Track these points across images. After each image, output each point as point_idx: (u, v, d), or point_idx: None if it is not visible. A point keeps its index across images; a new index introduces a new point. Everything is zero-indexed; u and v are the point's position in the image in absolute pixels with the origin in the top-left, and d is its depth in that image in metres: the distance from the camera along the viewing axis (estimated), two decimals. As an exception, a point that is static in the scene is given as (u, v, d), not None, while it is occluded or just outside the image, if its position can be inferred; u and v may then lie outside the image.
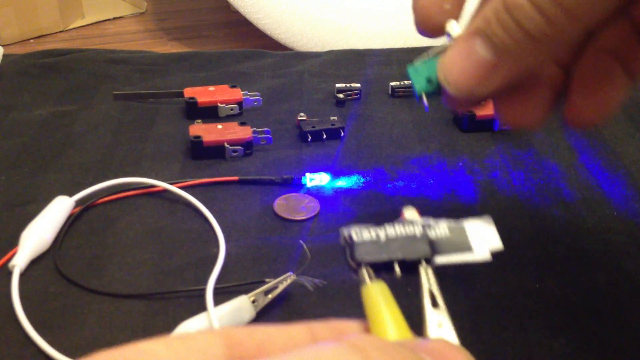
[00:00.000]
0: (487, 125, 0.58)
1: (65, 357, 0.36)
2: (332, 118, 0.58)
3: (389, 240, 0.22)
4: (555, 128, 0.59)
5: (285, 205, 0.48)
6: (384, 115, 0.60)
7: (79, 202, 0.47)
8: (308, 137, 0.56)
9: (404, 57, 0.73)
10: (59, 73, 0.67)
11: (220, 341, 0.19)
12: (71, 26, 1.77)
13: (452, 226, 0.23)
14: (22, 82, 0.66)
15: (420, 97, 0.31)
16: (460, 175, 0.52)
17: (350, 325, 0.21)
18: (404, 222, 0.23)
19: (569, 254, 0.44)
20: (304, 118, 0.58)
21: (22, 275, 0.41)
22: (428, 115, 0.59)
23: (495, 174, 0.52)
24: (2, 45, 0.72)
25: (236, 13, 1.48)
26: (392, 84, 0.64)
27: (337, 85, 0.64)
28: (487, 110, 0.58)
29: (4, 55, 0.69)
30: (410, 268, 0.22)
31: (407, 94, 0.64)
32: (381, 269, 0.22)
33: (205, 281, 0.41)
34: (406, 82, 0.65)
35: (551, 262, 0.44)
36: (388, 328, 0.20)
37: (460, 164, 0.53)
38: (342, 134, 0.57)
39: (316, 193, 0.50)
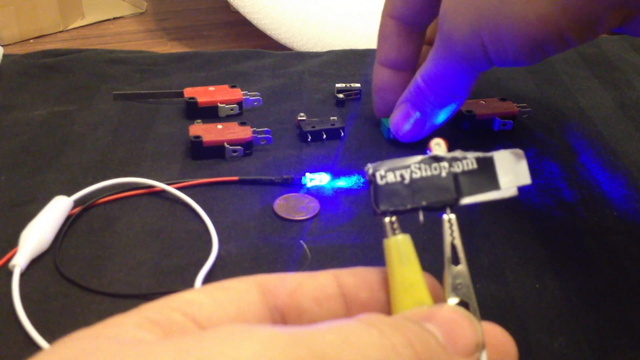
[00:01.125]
0: (487, 125, 0.58)
1: (65, 357, 0.36)
2: (332, 118, 0.58)
3: (413, 181, 0.21)
4: (555, 128, 0.59)
5: (285, 205, 0.48)
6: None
7: (77, 202, 0.47)
8: (308, 137, 0.56)
9: (404, 57, 0.73)
10: (59, 73, 0.67)
11: (255, 288, 0.20)
12: (71, 26, 1.77)
13: (480, 157, 0.22)
14: (22, 82, 0.66)
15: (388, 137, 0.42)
16: (460, 175, 0.52)
17: (372, 273, 0.21)
18: (430, 156, 0.22)
19: (569, 254, 0.44)
20: (304, 118, 0.58)
21: (22, 275, 0.41)
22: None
23: (495, 174, 0.52)
24: (2, 45, 0.72)
25: (236, 13, 1.48)
26: (392, 84, 0.64)
27: (337, 85, 0.64)
28: (487, 110, 0.58)
29: (4, 55, 0.69)
30: (436, 210, 0.22)
31: (407, 94, 0.64)
32: (405, 214, 0.21)
33: (205, 281, 0.41)
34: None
35: (551, 262, 0.44)
36: (404, 290, 0.20)
37: (460, 164, 0.53)
38: (342, 134, 0.57)
39: (316, 193, 0.50)
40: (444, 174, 0.22)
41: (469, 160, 0.22)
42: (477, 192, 0.22)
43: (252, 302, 0.19)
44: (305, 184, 0.50)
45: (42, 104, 0.62)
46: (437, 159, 0.22)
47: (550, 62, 0.71)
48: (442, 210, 0.22)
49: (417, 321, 0.18)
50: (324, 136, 0.56)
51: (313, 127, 0.57)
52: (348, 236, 0.45)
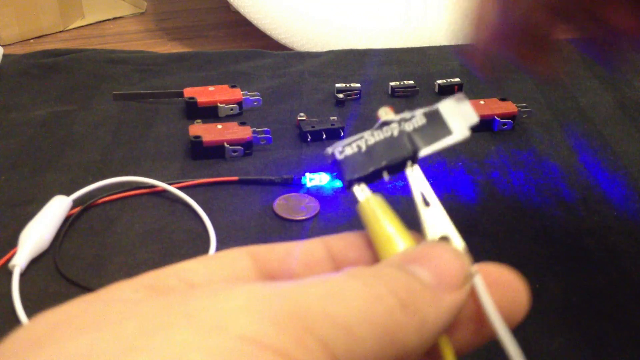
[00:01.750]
0: (487, 125, 0.58)
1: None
2: (332, 118, 0.58)
3: (370, 148, 0.22)
4: (555, 128, 0.59)
5: (285, 205, 0.48)
6: (383, 115, 0.60)
7: (76, 201, 0.47)
8: (308, 137, 0.56)
9: (404, 57, 0.73)
10: (59, 73, 0.67)
11: (246, 256, 0.21)
12: (71, 26, 1.77)
13: (427, 112, 0.23)
14: (22, 82, 0.66)
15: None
16: (460, 175, 0.52)
17: (359, 235, 0.22)
18: (381, 123, 0.23)
19: (569, 254, 0.44)
20: (304, 118, 0.58)
21: (22, 275, 0.41)
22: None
23: (494, 173, 0.52)
24: (2, 45, 0.72)
25: (236, 13, 1.48)
26: (392, 84, 0.64)
27: (337, 85, 0.64)
28: (487, 110, 0.58)
29: (4, 55, 0.69)
30: (399, 167, 0.23)
31: (406, 94, 0.64)
32: (371, 178, 0.22)
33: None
34: (406, 82, 0.65)
35: (551, 262, 0.44)
36: (387, 242, 0.21)
37: (459, 163, 0.53)
38: (342, 134, 0.57)
39: (316, 193, 0.50)
40: (396, 133, 0.23)
41: (417, 117, 0.23)
42: (433, 141, 0.23)
43: (244, 268, 0.20)
44: (305, 184, 0.50)
45: (42, 104, 0.62)
46: (387, 123, 0.23)
47: (550, 62, 0.71)
48: (404, 165, 0.23)
49: (399, 265, 0.18)
50: (324, 136, 0.56)
51: (313, 127, 0.56)
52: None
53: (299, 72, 0.69)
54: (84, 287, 0.41)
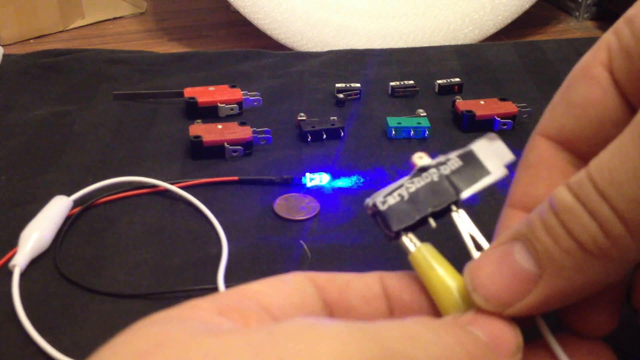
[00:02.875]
0: (487, 125, 0.58)
1: (66, 357, 0.36)
2: (332, 118, 0.58)
3: (412, 195, 0.22)
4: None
5: (285, 205, 0.48)
6: (383, 115, 0.60)
7: (77, 202, 0.47)
8: (308, 137, 0.56)
9: (404, 57, 0.73)
10: (59, 73, 0.67)
11: (310, 283, 0.21)
12: (71, 26, 1.76)
13: (462, 154, 0.23)
14: (22, 82, 0.66)
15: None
16: (460, 175, 0.52)
17: (414, 277, 0.22)
18: (418, 169, 0.23)
19: (569, 254, 0.44)
20: (304, 118, 0.58)
21: (22, 275, 0.41)
22: (428, 115, 0.59)
23: (495, 174, 0.52)
24: (2, 45, 0.72)
25: (236, 13, 1.48)
26: (392, 83, 0.64)
27: (337, 85, 0.64)
28: (487, 110, 0.58)
29: (4, 55, 0.69)
30: (444, 212, 0.22)
31: (407, 94, 0.64)
32: (417, 226, 0.22)
33: (205, 281, 0.41)
34: (406, 82, 0.65)
35: (551, 262, 0.44)
36: (443, 293, 0.21)
37: (460, 164, 0.53)
38: (342, 134, 0.57)
39: (316, 193, 0.50)
40: (436, 178, 0.23)
41: (452, 160, 0.23)
42: (472, 182, 0.23)
43: (310, 294, 0.20)
44: (305, 184, 0.50)
45: (42, 104, 0.62)
46: (425, 169, 0.23)
47: (550, 62, 0.71)
48: (449, 210, 0.23)
49: (461, 324, 0.19)
50: (324, 136, 0.56)
51: (313, 127, 0.57)
52: (348, 236, 0.45)
53: (299, 72, 0.69)
54: (84, 287, 0.41)
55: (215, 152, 0.53)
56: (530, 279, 0.20)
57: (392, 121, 0.57)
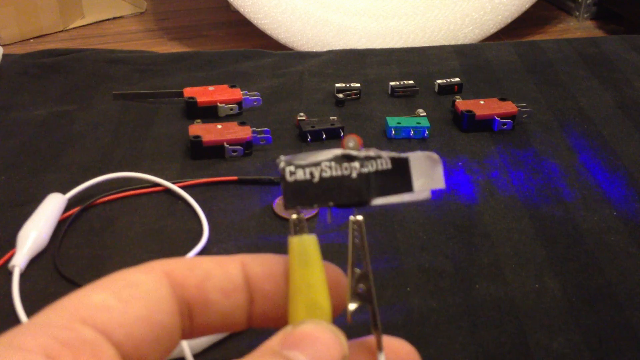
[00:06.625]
0: (487, 125, 0.58)
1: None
2: (331, 118, 0.58)
3: (322, 180, 0.20)
4: (555, 128, 0.59)
5: (285, 205, 0.48)
6: (383, 115, 0.60)
7: (74, 200, 0.47)
8: (308, 137, 0.56)
9: (404, 57, 0.73)
10: (59, 73, 0.67)
11: (164, 280, 0.19)
12: (71, 26, 1.76)
13: (395, 157, 0.21)
14: (22, 82, 0.66)
15: None
16: (460, 175, 0.52)
17: (279, 263, 0.21)
18: (343, 155, 0.21)
19: (569, 254, 0.44)
20: (304, 118, 0.58)
21: (22, 275, 0.41)
22: (428, 115, 0.59)
23: (494, 173, 0.52)
24: (2, 45, 0.72)
25: (236, 13, 1.48)
26: (391, 83, 0.64)
27: (337, 85, 0.64)
28: (487, 110, 0.58)
29: (4, 55, 0.69)
30: (345, 208, 0.21)
31: (407, 94, 0.64)
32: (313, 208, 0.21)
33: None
34: (406, 82, 0.65)
35: (551, 262, 0.44)
36: (299, 292, 0.20)
37: (460, 163, 0.53)
38: (342, 134, 0.57)
39: (316, 193, 0.50)
40: (354, 174, 0.21)
41: (383, 159, 0.21)
42: (389, 193, 0.21)
43: (161, 299, 0.19)
44: (305, 184, 0.50)
45: (42, 104, 0.62)
46: (350, 157, 0.21)
47: (550, 62, 0.71)
48: (351, 207, 0.21)
49: (278, 352, 0.18)
50: (324, 136, 0.56)
51: (313, 127, 0.56)
52: (348, 236, 0.45)
53: (299, 72, 0.69)
54: (84, 287, 0.41)
55: (215, 152, 0.53)
56: None
57: (392, 121, 0.57)
